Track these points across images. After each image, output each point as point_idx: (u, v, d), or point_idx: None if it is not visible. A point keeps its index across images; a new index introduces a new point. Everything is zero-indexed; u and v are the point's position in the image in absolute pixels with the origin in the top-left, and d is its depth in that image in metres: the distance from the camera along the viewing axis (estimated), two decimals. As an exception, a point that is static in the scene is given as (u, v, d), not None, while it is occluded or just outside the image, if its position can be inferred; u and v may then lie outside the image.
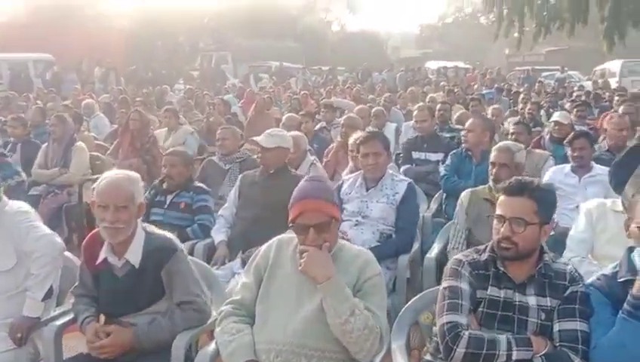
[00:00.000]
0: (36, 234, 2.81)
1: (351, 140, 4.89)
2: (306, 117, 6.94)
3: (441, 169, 4.95)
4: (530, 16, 18.45)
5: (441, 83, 17.55)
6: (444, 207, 4.88)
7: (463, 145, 5.01)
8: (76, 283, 2.75)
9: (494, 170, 3.53)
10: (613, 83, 19.94)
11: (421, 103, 8.76)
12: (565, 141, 4.60)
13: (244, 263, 3.69)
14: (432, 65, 27.26)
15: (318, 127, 7.61)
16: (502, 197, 2.25)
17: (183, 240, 3.99)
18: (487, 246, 2.33)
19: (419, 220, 4.09)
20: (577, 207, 4.15)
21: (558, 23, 18.43)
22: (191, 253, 3.93)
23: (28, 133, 6.19)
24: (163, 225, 4.08)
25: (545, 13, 18.31)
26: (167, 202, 4.16)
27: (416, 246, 3.77)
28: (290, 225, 2.35)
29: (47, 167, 5.64)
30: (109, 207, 2.47)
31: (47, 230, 2.89)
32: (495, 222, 2.25)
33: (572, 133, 4.52)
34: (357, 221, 3.69)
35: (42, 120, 6.96)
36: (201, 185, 4.31)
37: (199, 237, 4.06)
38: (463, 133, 5.40)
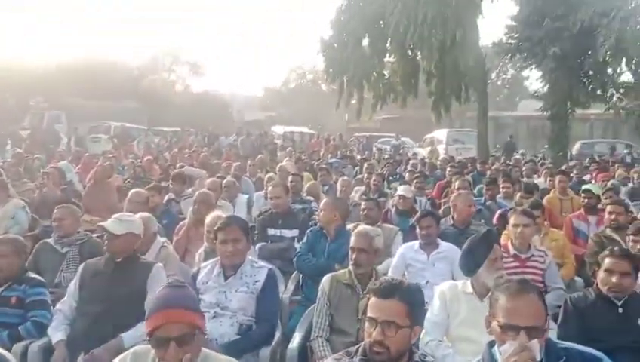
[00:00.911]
0: None
1: (208, 219, 4.73)
2: (153, 190, 6.59)
3: (298, 246, 4.92)
4: (368, 88, 19.80)
5: (288, 148, 17.96)
6: (301, 285, 4.84)
7: (318, 224, 5.04)
8: None
9: (354, 256, 3.55)
10: (441, 150, 21.94)
11: (272, 174, 8.85)
12: (413, 220, 4.82)
13: (86, 367, 3.32)
14: (278, 129, 27.92)
15: (166, 198, 7.28)
16: (373, 299, 2.22)
17: (14, 341, 3.53)
18: (358, 348, 2.28)
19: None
20: (427, 283, 4.34)
21: (392, 95, 20.01)
22: (24, 356, 3.47)
23: None
24: (-10, 324, 3.58)
25: (381, 86, 19.76)
26: (-5, 297, 3.63)
27: (277, 335, 3.64)
28: (148, 338, 2.12)
29: None
30: None
31: None
32: (367, 325, 2.22)
33: (419, 213, 4.75)
34: (215, 313, 3.48)
35: None
36: (35, 276, 3.82)
37: (33, 337, 3.57)
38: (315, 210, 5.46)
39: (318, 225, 5.02)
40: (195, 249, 5.14)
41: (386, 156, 17.90)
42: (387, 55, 19.90)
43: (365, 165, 10.62)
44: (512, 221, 4.40)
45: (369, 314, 2.22)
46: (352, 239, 3.61)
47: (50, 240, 4.70)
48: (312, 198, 7.53)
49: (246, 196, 7.86)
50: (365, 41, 19.45)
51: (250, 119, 43.36)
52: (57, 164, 10.30)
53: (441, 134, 23.79)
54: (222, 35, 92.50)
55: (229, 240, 3.55)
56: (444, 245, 4.57)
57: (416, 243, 4.63)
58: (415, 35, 17.20)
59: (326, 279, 3.64)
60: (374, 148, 21.55)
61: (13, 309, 3.63)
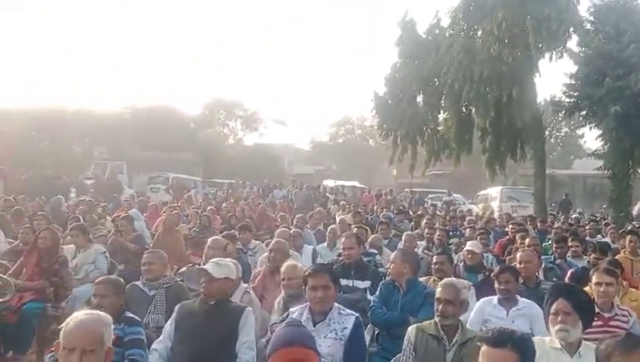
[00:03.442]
0: None
1: (283, 268, 4.89)
2: (228, 238, 6.80)
3: (372, 299, 4.99)
4: (422, 144, 19.98)
5: (341, 202, 18.12)
6: (376, 336, 4.89)
7: (389, 277, 5.11)
8: None
9: (440, 307, 3.61)
10: (495, 207, 21.69)
11: (333, 226, 8.99)
12: (492, 274, 4.85)
13: (183, 406, 3.46)
14: (329, 183, 28.20)
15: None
16: (485, 348, 2.30)
17: (112, 379, 3.69)
18: None
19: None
20: (507, 339, 4.33)
21: (446, 151, 20.12)
22: (121, 394, 3.62)
23: None
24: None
25: (435, 142, 19.92)
26: (95, 335, 3.82)
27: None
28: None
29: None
30: (76, 350, 2.25)
31: None
32: (479, 373, 2.29)
33: (498, 268, 4.78)
34: (305, 358, 3.58)
35: None
36: (132, 315, 4.01)
37: (131, 375, 3.73)
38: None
39: (390, 277, 5.08)
40: (270, 296, 5.28)
41: (439, 212, 17.83)
42: (441, 111, 20.16)
43: (425, 220, 10.65)
44: (594, 279, 4.37)
45: None
46: (439, 291, 3.68)
47: (139, 283, 4.95)
48: (375, 251, 7.62)
49: (311, 247, 8.01)
50: (419, 98, 19.79)
51: (300, 172, 44.00)
52: (128, 212, 10.71)
53: (494, 191, 23.55)
54: (273, 89, 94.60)
55: (320, 286, 3.68)
56: (523, 301, 4.56)
57: (494, 299, 4.63)
58: (471, 92, 17.39)
59: (412, 329, 3.70)
60: (427, 204, 21.49)
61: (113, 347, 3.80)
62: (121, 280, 4.20)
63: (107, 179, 23.43)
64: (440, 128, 20.48)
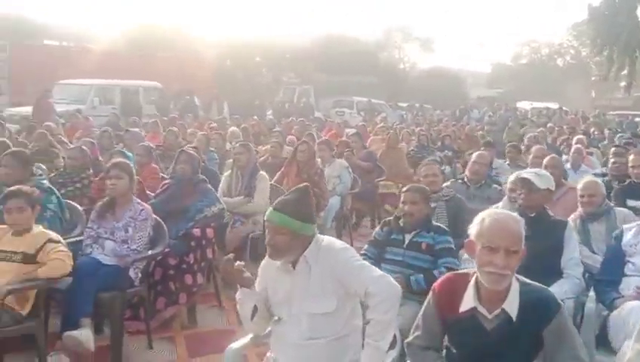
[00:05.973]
0: (373, 274, 2.47)
1: (583, 185, 4.48)
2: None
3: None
4: (642, 59, 17.77)
5: (548, 125, 16.86)
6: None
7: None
8: (417, 333, 2.38)
9: None
10: None
11: (578, 146, 8.26)
12: None
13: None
14: (525, 105, 26.43)
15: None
16: None
17: (430, 283, 3.64)
18: None
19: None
20: None
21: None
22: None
23: (202, 160, 6.00)
24: (402, 266, 3.75)
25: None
26: (406, 241, 3.76)
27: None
28: None
29: (231, 196, 5.42)
30: (499, 250, 2.11)
31: (379, 270, 2.55)
32: None
33: None
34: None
35: (207, 147, 6.80)
36: (440, 225, 3.90)
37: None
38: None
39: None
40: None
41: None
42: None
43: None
44: None
45: None
46: None
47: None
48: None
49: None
50: (641, 8, 17.43)
51: (481, 95, 41.97)
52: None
53: None
54: (448, 13, 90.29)
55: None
56: None
57: None
58: None
59: None
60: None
61: (422, 254, 3.73)
62: (427, 188, 4.09)
63: (299, 102, 24.18)
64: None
